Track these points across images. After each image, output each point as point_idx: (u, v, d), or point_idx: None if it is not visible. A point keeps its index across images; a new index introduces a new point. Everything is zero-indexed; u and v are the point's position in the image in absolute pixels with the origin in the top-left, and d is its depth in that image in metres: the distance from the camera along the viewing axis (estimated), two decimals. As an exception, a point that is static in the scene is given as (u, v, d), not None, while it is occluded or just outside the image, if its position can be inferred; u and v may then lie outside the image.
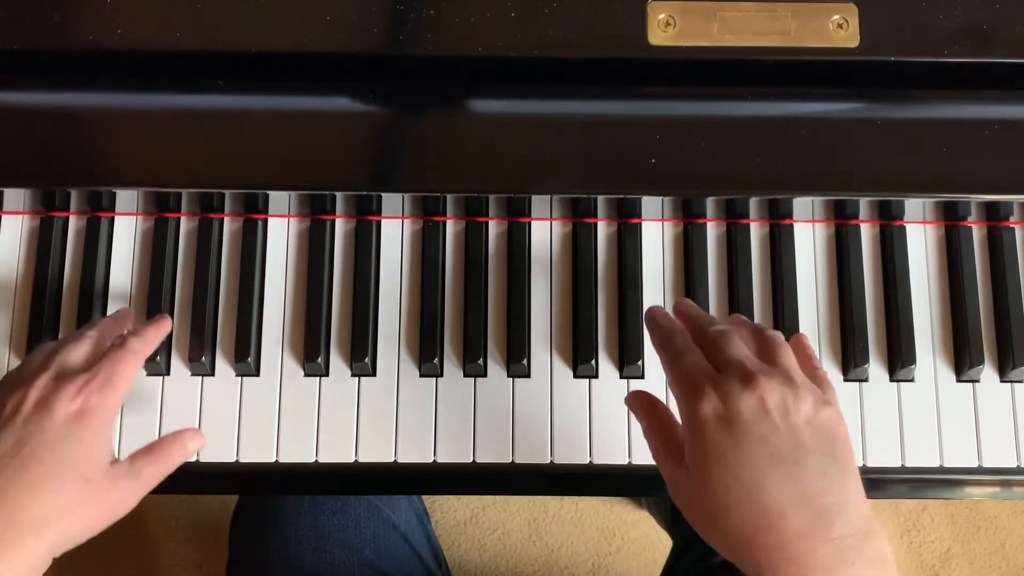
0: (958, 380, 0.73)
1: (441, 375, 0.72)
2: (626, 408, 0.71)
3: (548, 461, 0.71)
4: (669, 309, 0.70)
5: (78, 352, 0.60)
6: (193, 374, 0.72)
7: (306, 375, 0.72)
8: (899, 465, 0.71)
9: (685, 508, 0.54)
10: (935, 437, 0.71)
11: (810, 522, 0.49)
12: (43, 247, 0.73)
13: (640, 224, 0.74)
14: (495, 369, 0.72)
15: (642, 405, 0.60)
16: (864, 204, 0.73)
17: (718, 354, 0.54)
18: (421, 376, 0.72)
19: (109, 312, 0.73)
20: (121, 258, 0.74)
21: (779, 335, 0.58)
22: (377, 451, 0.71)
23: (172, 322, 0.70)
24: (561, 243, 0.74)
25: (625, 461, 0.71)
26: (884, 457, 0.71)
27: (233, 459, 0.71)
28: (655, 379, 0.72)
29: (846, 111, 0.69)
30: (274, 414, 0.71)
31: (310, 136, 0.68)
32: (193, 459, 0.70)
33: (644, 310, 0.72)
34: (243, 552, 0.87)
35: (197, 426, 0.71)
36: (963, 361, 0.72)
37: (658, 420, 0.59)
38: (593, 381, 0.72)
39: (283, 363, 0.72)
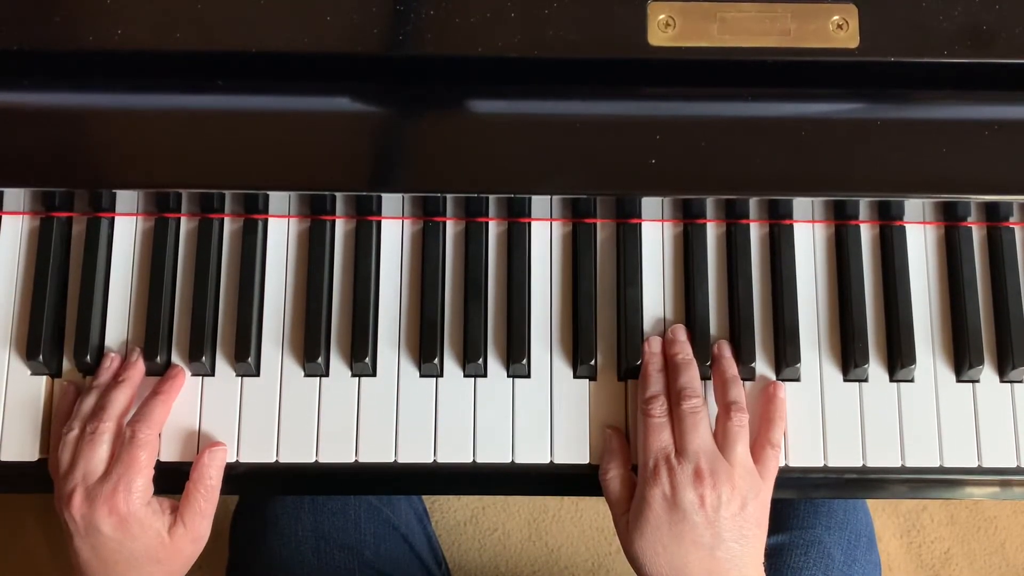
0: (958, 380, 0.73)
1: (441, 375, 0.72)
2: (625, 409, 0.72)
3: (548, 461, 0.71)
4: (669, 309, 0.72)
5: (97, 457, 0.66)
6: (193, 374, 0.72)
7: (306, 375, 0.72)
8: (899, 465, 0.71)
9: (622, 544, 0.68)
10: (935, 437, 0.71)
11: None
12: (43, 247, 0.73)
13: (640, 224, 0.74)
14: (495, 369, 0.72)
15: (611, 441, 0.71)
16: (864, 204, 0.73)
17: (683, 437, 0.67)
18: (421, 376, 0.72)
19: (110, 315, 0.73)
20: (121, 258, 0.74)
21: (741, 424, 0.68)
22: (377, 451, 0.71)
23: (186, 374, 0.72)
24: (561, 243, 0.74)
25: (625, 461, 0.71)
26: (884, 457, 0.71)
27: (233, 459, 0.71)
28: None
29: (846, 111, 0.69)
30: (274, 414, 0.71)
31: (310, 136, 0.69)
32: (193, 459, 0.70)
33: (644, 311, 0.73)
34: (243, 553, 0.87)
35: (197, 426, 0.71)
36: (963, 361, 0.72)
37: (617, 467, 0.70)
38: (592, 381, 0.72)
39: (283, 363, 0.72)
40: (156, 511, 0.67)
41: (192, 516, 0.68)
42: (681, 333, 0.72)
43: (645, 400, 0.69)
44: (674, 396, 0.69)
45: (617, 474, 0.69)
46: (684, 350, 0.71)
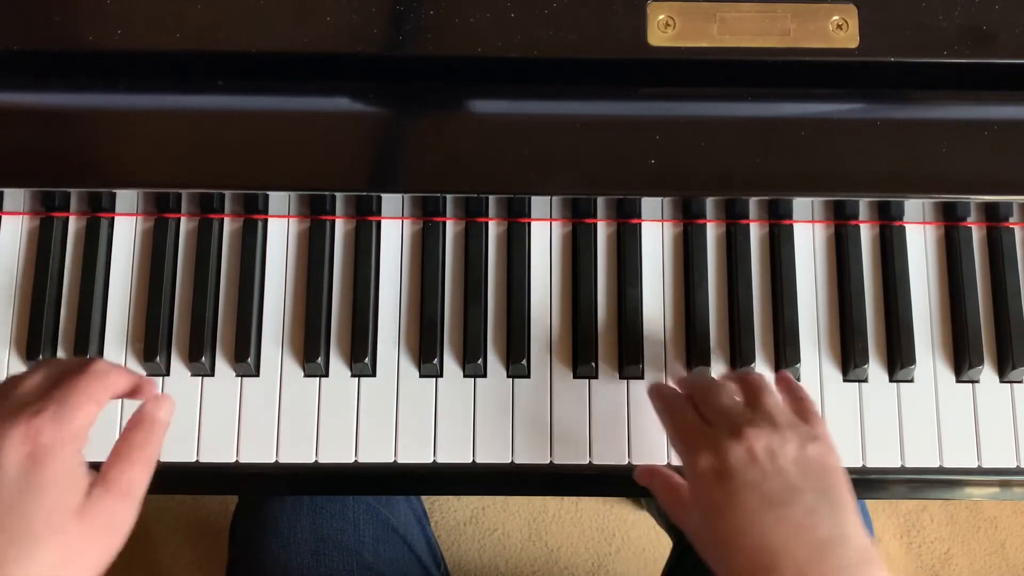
0: (958, 380, 0.73)
1: (441, 375, 0.72)
2: (626, 408, 0.72)
3: (548, 461, 0.71)
4: (669, 309, 0.73)
5: (30, 380, 0.51)
6: (193, 374, 0.72)
7: (306, 375, 0.72)
8: (899, 465, 0.71)
9: (697, 548, 0.59)
10: (935, 437, 0.71)
11: (806, 558, 0.53)
12: (43, 247, 0.73)
13: (640, 224, 0.74)
14: (495, 369, 0.72)
15: (649, 477, 0.65)
16: (864, 204, 0.73)
17: (708, 406, 0.60)
18: (421, 376, 0.72)
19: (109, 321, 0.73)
20: (121, 258, 0.74)
21: (761, 377, 0.63)
22: (377, 451, 0.71)
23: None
24: (561, 243, 0.74)
25: (624, 461, 0.71)
26: (884, 457, 0.71)
27: (233, 459, 0.71)
28: (654, 380, 0.72)
29: (846, 111, 0.69)
30: (274, 414, 0.71)
31: (310, 136, 0.69)
32: (192, 459, 0.70)
33: (644, 311, 0.73)
34: (243, 554, 0.87)
35: (197, 426, 0.71)
36: (963, 361, 0.72)
37: (660, 480, 0.63)
38: (592, 381, 0.72)
39: (283, 363, 0.72)
40: (81, 466, 0.50)
41: (133, 475, 0.50)
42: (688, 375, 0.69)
43: (661, 401, 0.64)
44: (685, 386, 0.65)
45: (663, 486, 0.62)
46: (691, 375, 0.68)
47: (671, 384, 0.70)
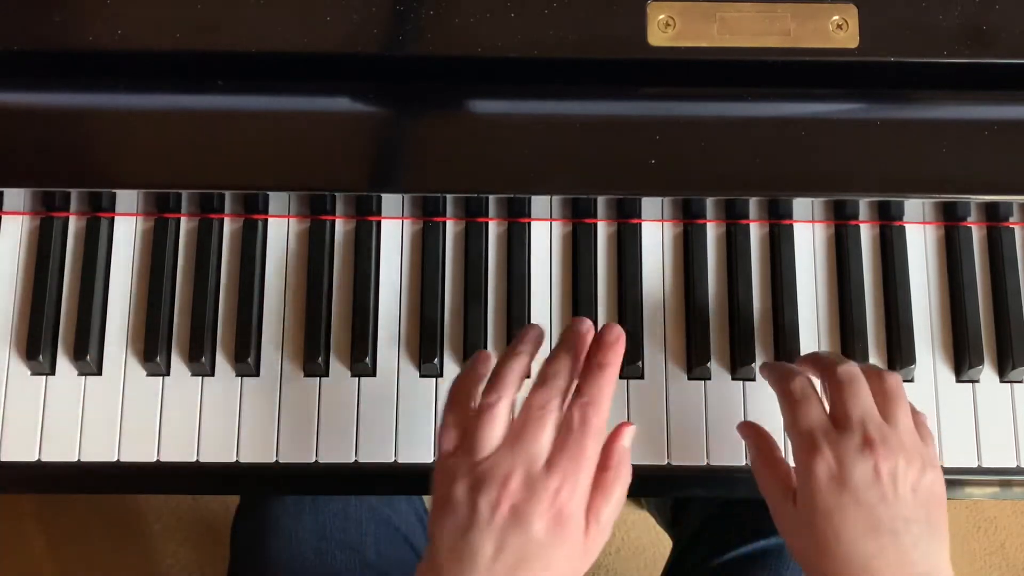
0: (958, 380, 0.73)
1: (441, 375, 0.72)
2: (626, 408, 0.71)
3: (548, 461, 0.71)
4: (669, 309, 0.73)
5: (542, 441, 0.55)
6: (193, 374, 0.72)
7: (306, 375, 0.72)
8: (899, 465, 0.71)
9: (787, 540, 0.59)
10: (935, 437, 0.71)
11: None
12: (43, 247, 0.73)
13: (640, 224, 0.74)
14: (495, 369, 0.72)
15: (750, 436, 0.65)
16: (864, 204, 0.73)
17: (842, 406, 0.58)
18: (421, 376, 0.72)
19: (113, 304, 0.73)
20: (121, 258, 0.74)
21: (899, 384, 0.60)
22: (377, 451, 0.71)
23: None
24: (561, 243, 0.74)
25: (625, 461, 0.71)
26: (884, 457, 0.71)
27: (233, 459, 0.71)
28: (655, 380, 0.72)
29: (846, 111, 0.69)
30: (274, 414, 0.71)
31: (310, 136, 0.69)
32: (192, 459, 0.70)
33: (644, 311, 0.73)
34: (244, 554, 0.87)
35: (197, 426, 0.71)
36: (963, 361, 0.72)
37: (764, 450, 0.63)
38: (593, 381, 0.72)
39: (283, 363, 0.72)
40: (580, 518, 0.55)
41: (610, 511, 0.56)
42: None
43: (781, 377, 0.61)
44: (821, 369, 0.62)
45: (768, 461, 0.62)
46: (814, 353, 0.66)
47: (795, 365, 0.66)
